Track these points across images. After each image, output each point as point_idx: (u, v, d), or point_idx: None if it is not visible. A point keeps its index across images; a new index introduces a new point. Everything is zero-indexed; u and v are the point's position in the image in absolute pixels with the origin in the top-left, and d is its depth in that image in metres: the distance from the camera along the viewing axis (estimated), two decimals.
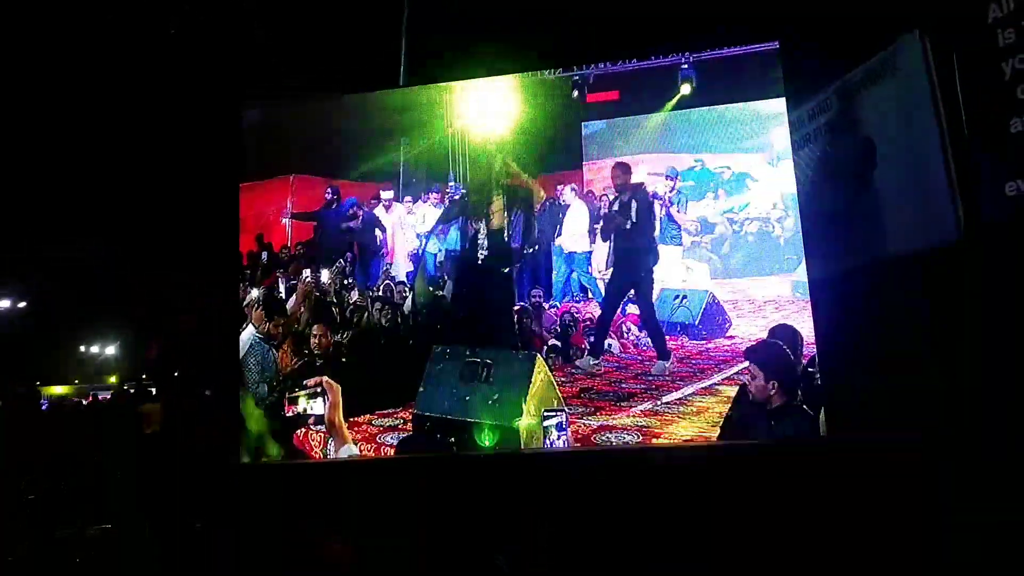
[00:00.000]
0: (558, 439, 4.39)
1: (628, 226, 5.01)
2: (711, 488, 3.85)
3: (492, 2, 5.24)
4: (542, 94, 6.26)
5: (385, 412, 5.12)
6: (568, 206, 5.72)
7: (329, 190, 6.34)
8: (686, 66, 5.33)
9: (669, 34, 4.92)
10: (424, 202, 6.13)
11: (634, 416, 4.38)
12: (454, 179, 6.50)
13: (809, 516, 3.57)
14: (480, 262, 5.52)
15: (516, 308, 5.04)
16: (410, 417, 4.96)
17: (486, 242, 5.53)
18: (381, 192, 6.37)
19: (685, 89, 5.27)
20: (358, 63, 5.45)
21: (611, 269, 5.10)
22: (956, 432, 3.11)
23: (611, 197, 5.19)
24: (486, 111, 6.47)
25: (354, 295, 5.87)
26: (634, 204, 5.06)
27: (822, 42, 4.02)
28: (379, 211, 6.36)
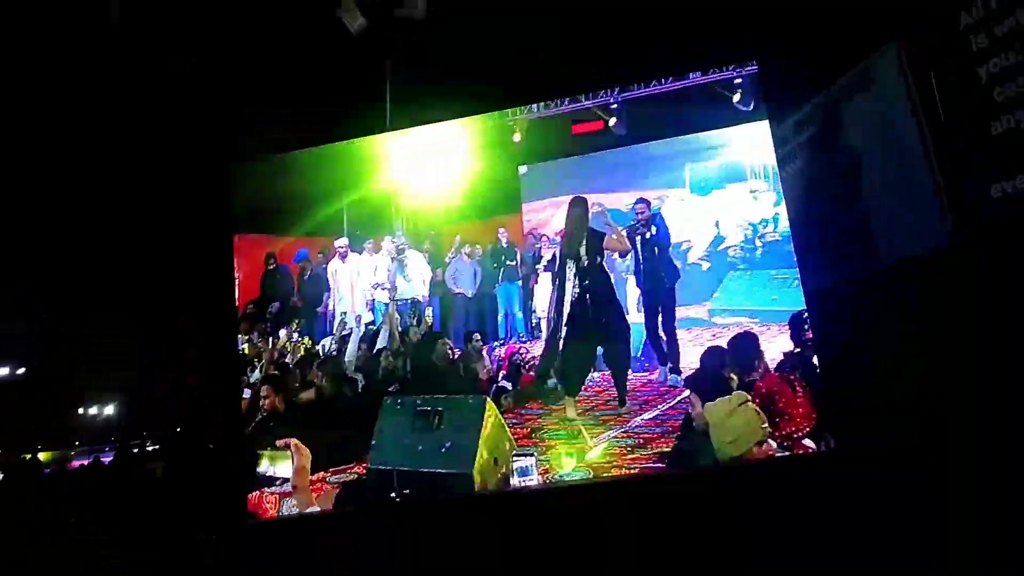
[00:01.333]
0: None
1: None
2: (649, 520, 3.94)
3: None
4: (482, 138, 6.44)
5: (339, 468, 5.07)
6: (507, 247, 5.88)
7: (270, 258, 6.33)
8: (615, 104, 5.60)
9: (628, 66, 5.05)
10: (371, 254, 6.17)
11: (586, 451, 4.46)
12: (401, 230, 6.60)
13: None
14: (425, 310, 5.63)
15: (458, 354, 5.14)
16: (364, 471, 4.92)
17: (429, 289, 5.65)
18: (335, 242, 6.40)
19: (614, 123, 5.52)
20: (346, 110, 5.45)
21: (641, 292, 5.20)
22: (952, 438, 3.17)
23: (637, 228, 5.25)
24: (425, 159, 6.60)
25: (301, 352, 5.87)
26: (653, 230, 5.20)
27: (802, 59, 4.14)
28: (335, 263, 6.39)
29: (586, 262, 5.00)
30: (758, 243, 4.99)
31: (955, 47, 3.12)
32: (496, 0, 4.82)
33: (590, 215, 5.11)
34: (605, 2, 4.75)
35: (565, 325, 4.93)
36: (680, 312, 5.10)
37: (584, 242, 5.06)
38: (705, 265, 5.30)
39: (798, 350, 4.09)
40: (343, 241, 6.34)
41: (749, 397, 3.91)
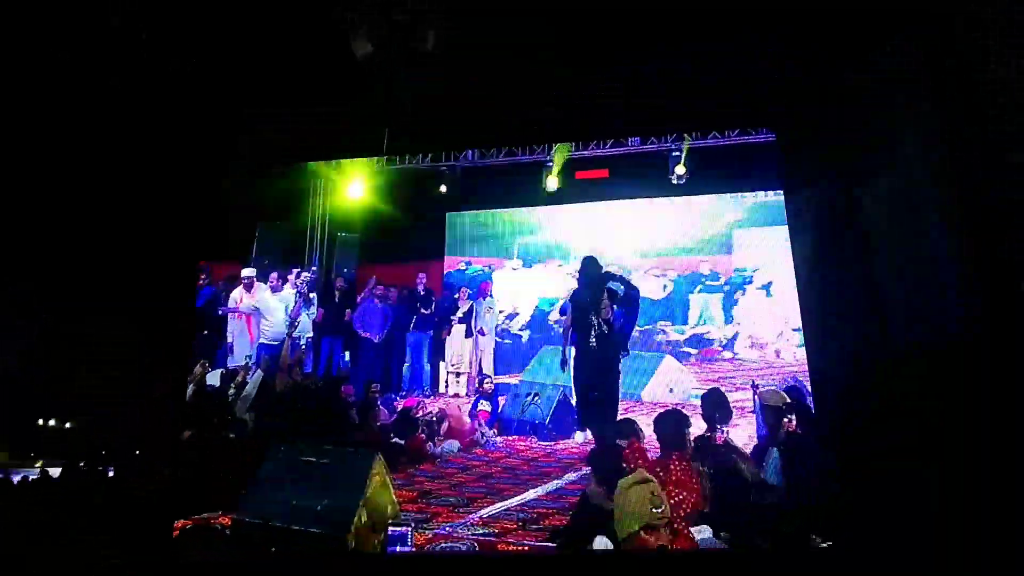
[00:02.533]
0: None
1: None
2: None
3: None
4: (412, 183, 6.24)
5: (200, 516, 4.57)
6: (424, 294, 5.60)
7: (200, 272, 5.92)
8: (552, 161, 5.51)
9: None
10: (275, 288, 5.80)
11: (473, 525, 4.09)
12: (317, 263, 6.28)
13: None
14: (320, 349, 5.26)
15: (351, 400, 4.75)
16: (229, 522, 4.42)
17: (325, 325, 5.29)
18: (242, 271, 6.01)
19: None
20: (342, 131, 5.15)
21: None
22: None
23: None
24: (350, 198, 6.38)
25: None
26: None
27: (820, 131, 3.95)
28: (239, 292, 5.97)
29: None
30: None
31: (982, 134, 3.04)
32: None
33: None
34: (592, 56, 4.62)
35: None
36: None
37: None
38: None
39: (708, 433, 3.85)
40: (250, 271, 5.96)
41: (651, 477, 3.61)
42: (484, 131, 5.23)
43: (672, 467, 3.66)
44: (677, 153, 5.33)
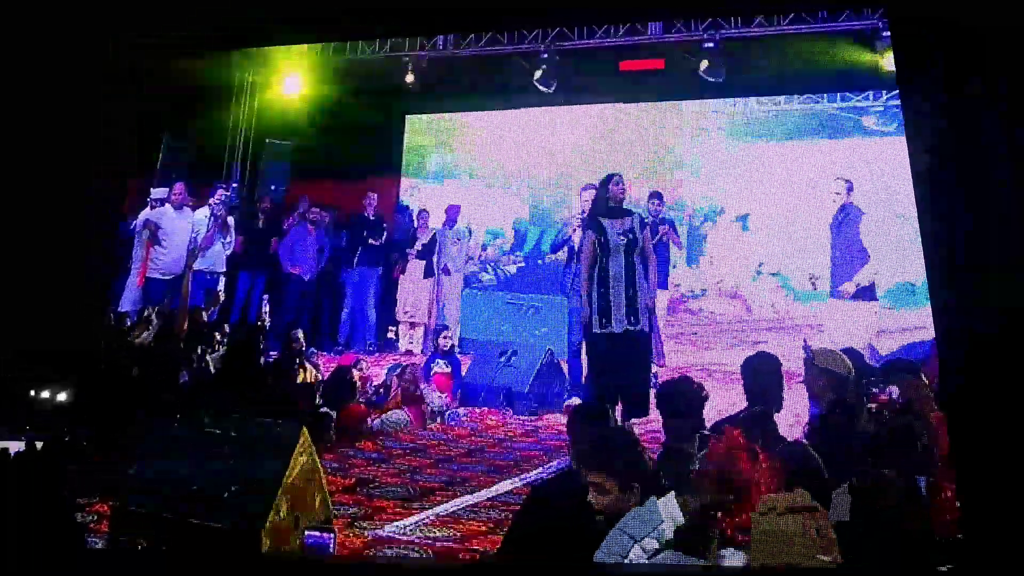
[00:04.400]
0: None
1: None
2: None
3: None
4: (363, 77, 5.04)
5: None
6: (373, 220, 4.46)
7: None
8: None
9: None
10: (178, 205, 4.56)
11: (423, 526, 3.14)
12: (238, 177, 5.08)
13: None
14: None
15: (273, 357, 3.69)
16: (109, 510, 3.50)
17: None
18: (152, 191, 4.79)
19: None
20: None
21: None
22: None
23: None
24: (283, 92, 5.16)
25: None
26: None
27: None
28: (143, 215, 4.76)
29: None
30: None
31: None
32: None
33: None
34: None
35: None
36: None
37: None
38: None
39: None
40: (161, 191, 4.74)
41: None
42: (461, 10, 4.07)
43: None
44: (710, 44, 4.19)
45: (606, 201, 3.72)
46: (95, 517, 3.63)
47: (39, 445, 3.96)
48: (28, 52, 3.94)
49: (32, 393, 4.51)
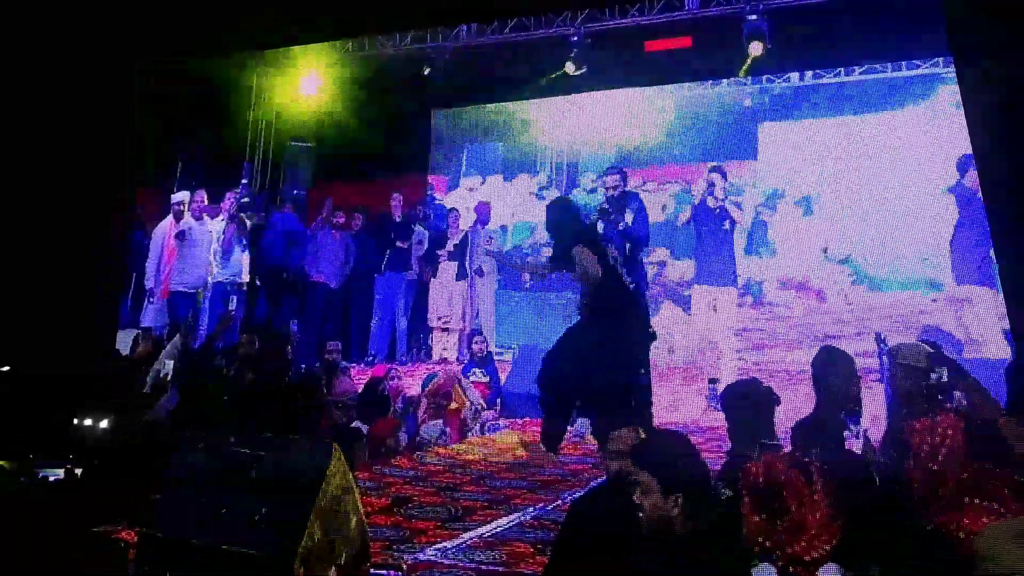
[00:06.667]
0: None
1: None
2: None
3: None
4: (386, 74, 4.82)
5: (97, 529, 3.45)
6: (400, 222, 4.25)
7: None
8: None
9: None
10: (197, 214, 4.40)
11: (471, 548, 2.91)
12: (259, 179, 4.91)
13: None
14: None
15: (303, 372, 3.49)
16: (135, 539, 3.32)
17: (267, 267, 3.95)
18: (172, 198, 4.65)
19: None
20: None
21: None
22: None
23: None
24: (301, 92, 4.98)
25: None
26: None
27: None
28: (164, 224, 4.63)
29: None
30: None
31: None
32: None
33: None
34: None
35: None
36: None
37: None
38: None
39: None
40: (181, 196, 4.59)
41: None
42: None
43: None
44: (753, 17, 3.84)
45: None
46: (123, 544, 3.49)
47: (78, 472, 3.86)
48: (29, 61, 3.86)
49: (75, 421, 4.42)
